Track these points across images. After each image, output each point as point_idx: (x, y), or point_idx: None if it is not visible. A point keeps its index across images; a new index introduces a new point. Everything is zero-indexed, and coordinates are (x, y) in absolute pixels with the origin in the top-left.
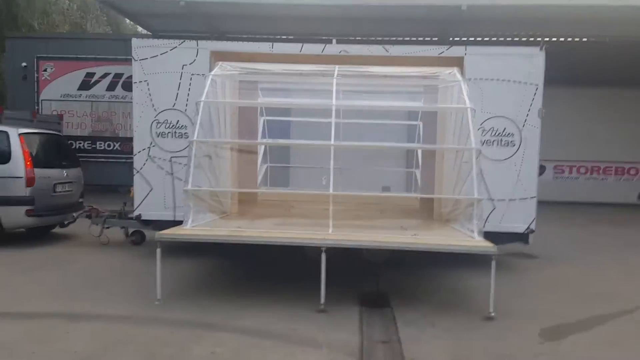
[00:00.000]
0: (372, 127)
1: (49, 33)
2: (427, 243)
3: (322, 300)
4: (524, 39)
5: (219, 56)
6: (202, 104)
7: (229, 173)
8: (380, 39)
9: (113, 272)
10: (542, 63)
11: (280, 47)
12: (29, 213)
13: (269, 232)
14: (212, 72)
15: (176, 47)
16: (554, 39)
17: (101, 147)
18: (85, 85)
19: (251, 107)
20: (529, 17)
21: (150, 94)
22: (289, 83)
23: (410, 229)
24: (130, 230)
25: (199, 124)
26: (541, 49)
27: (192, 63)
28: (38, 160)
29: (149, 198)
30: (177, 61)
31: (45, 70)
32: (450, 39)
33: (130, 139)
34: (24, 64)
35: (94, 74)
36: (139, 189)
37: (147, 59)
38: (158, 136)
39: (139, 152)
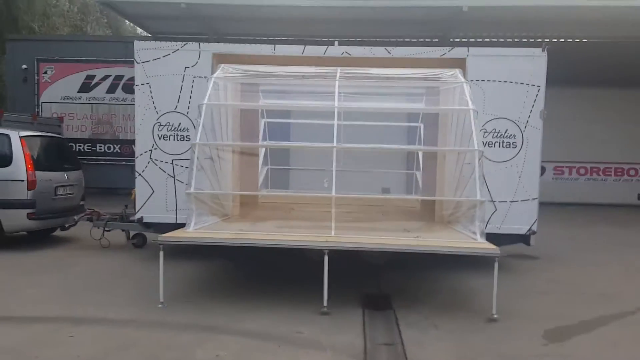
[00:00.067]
0: (372, 128)
1: (50, 35)
2: (431, 245)
3: (325, 302)
4: (524, 39)
5: (221, 58)
6: (204, 106)
7: (231, 175)
8: (380, 40)
9: (115, 275)
10: (544, 64)
11: (283, 49)
12: (30, 216)
13: (272, 234)
14: (215, 75)
15: (178, 49)
16: (553, 40)
17: (101, 149)
18: (86, 87)
19: (253, 109)
20: (529, 18)
21: (152, 97)
22: (291, 85)
23: (413, 231)
24: (132, 233)
25: (201, 127)
26: (543, 50)
27: (194, 65)
28: (39, 163)
29: (151, 201)
30: (180, 64)
31: (45, 72)
32: (451, 40)
33: (131, 142)
34: (24, 66)
35: (94, 76)
36: (140, 191)
37: (149, 61)
38: (160, 139)
39: (141, 154)
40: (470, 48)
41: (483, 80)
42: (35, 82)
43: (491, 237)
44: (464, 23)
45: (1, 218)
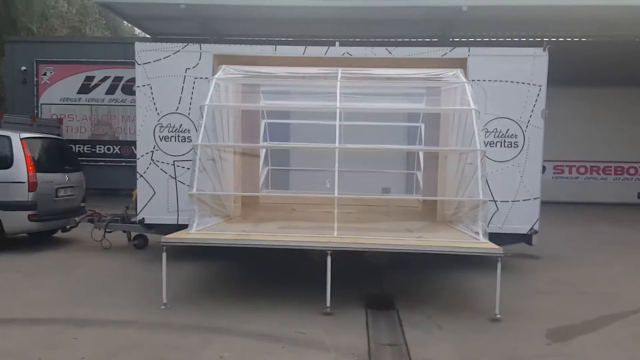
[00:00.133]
0: (371, 128)
1: (49, 37)
2: (434, 245)
3: (328, 303)
4: (523, 39)
5: (221, 59)
6: (206, 107)
7: (232, 176)
8: (380, 40)
9: (116, 276)
10: (546, 64)
11: (283, 50)
12: (31, 218)
13: (275, 235)
14: (216, 76)
15: (179, 50)
16: (553, 39)
17: (101, 150)
18: (85, 88)
19: (254, 110)
20: (528, 18)
21: (153, 98)
22: (292, 86)
23: (415, 231)
24: (133, 234)
25: (203, 128)
26: (544, 49)
27: (195, 66)
28: (40, 164)
29: (152, 202)
30: (180, 65)
31: (44, 74)
32: (451, 39)
33: (130, 143)
34: (23, 67)
35: (94, 77)
36: (142, 193)
37: (150, 62)
38: (161, 140)
39: (142, 156)
40: (471, 48)
41: (484, 80)
42: (35, 83)
43: (493, 237)
44: (463, 23)
45: (2, 220)
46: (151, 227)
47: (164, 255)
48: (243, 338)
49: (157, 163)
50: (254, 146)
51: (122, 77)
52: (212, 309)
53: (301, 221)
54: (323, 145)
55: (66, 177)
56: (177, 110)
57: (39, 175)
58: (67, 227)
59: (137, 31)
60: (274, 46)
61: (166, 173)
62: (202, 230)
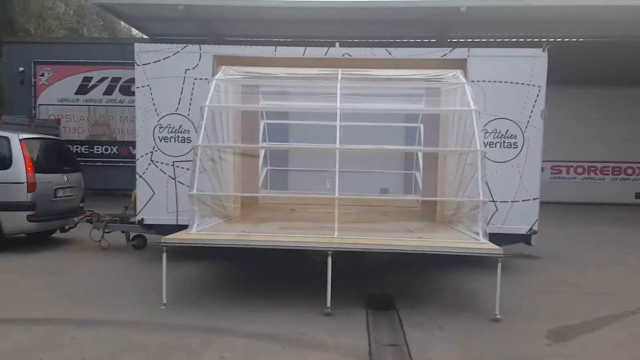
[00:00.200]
0: (369, 129)
1: (47, 38)
2: (435, 246)
3: (329, 303)
4: (521, 39)
5: (221, 60)
6: (206, 108)
7: (232, 177)
8: (379, 40)
9: (116, 277)
10: (545, 64)
11: (283, 51)
12: (30, 218)
13: (275, 235)
14: (216, 77)
15: (179, 51)
16: (551, 39)
17: (98, 151)
18: (83, 89)
19: (253, 110)
20: (527, 18)
21: (152, 99)
22: (292, 87)
23: (415, 231)
24: (132, 235)
25: (203, 129)
26: (544, 50)
27: (195, 67)
28: (39, 165)
29: (152, 202)
30: (180, 66)
31: (42, 74)
32: (449, 40)
33: (128, 143)
34: (21, 68)
35: (92, 78)
36: (141, 193)
37: (149, 63)
38: (161, 141)
39: (142, 156)
40: (471, 49)
41: (484, 81)
42: (32, 84)
43: (492, 237)
44: (462, 23)
45: (1, 220)
46: (150, 228)
47: (164, 255)
48: (244, 339)
49: (156, 164)
50: (256, 147)
51: (120, 78)
52: (212, 309)
53: (301, 222)
54: (324, 146)
55: (65, 177)
56: (176, 111)
57: (37, 175)
58: (66, 227)
59: (134, 32)
60: (273, 47)
61: (165, 174)
62: (202, 231)
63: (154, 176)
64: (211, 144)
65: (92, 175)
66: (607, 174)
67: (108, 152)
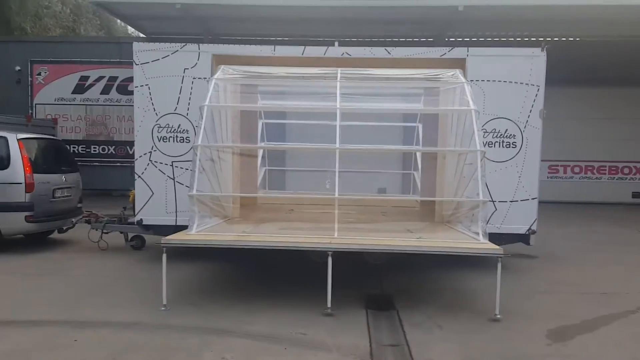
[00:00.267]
0: (367, 128)
1: (44, 36)
2: (435, 246)
3: (329, 303)
4: (519, 39)
5: (220, 59)
6: (206, 108)
7: (231, 177)
8: (377, 39)
9: (114, 277)
10: (544, 64)
11: (283, 50)
12: (28, 219)
13: (276, 236)
14: (215, 76)
15: (178, 50)
16: (549, 39)
17: (95, 151)
18: (80, 88)
19: (252, 110)
20: (525, 18)
21: (151, 98)
22: (292, 86)
23: (415, 231)
24: (130, 235)
25: (203, 128)
26: (542, 49)
27: (193, 67)
28: (37, 165)
29: (151, 203)
30: (179, 65)
31: (39, 73)
32: (446, 39)
33: (125, 143)
34: (17, 67)
35: (88, 77)
36: (140, 193)
37: (148, 62)
38: (159, 140)
39: (140, 156)
40: (470, 48)
41: (483, 80)
42: (29, 83)
43: (491, 237)
44: (460, 23)
45: None
46: (149, 228)
47: (164, 256)
48: (244, 339)
49: (155, 164)
50: (256, 147)
51: (117, 77)
52: (212, 310)
53: (301, 222)
54: (323, 146)
55: (63, 177)
56: (175, 110)
57: (35, 176)
58: (64, 228)
59: (131, 30)
60: (272, 46)
61: (164, 174)
62: (202, 231)
63: (152, 176)
64: (210, 143)
65: (89, 176)
66: (604, 174)
67: (105, 152)
